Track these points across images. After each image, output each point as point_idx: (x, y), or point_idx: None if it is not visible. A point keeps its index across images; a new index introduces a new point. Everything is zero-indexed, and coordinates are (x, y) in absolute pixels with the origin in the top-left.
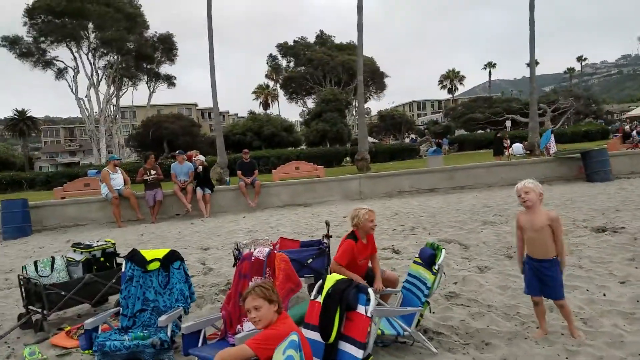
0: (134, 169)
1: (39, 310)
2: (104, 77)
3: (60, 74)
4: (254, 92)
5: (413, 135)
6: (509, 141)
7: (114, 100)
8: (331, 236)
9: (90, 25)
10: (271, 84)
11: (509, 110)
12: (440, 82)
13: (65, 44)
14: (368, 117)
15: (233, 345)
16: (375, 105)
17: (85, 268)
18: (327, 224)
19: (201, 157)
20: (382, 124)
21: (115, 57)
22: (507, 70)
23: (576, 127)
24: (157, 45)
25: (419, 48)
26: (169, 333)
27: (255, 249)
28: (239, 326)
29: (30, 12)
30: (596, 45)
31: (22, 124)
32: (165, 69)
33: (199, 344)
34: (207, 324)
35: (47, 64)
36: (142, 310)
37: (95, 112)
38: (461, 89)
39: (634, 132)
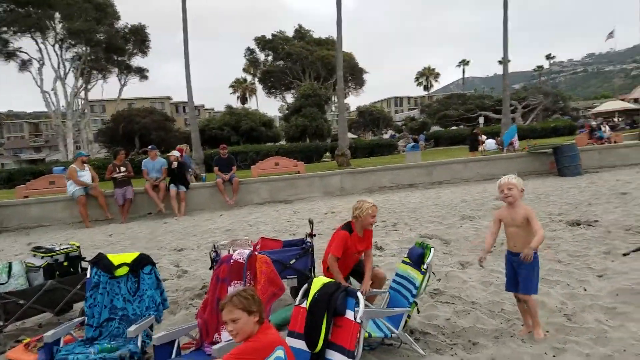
0: (103, 166)
1: None
2: (72, 69)
3: (24, 65)
4: (231, 86)
5: (392, 132)
6: (484, 137)
7: (82, 94)
8: (315, 235)
9: (57, 15)
10: (249, 78)
11: (481, 107)
12: (417, 79)
13: (29, 35)
14: (347, 112)
15: (210, 356)
16: (354, 101)
17: (46, 274)
18: (311, 222)
19: (176, 153)
20: (361, 120)
21: (84, 48)
22: (480, 68)
23: (545, 123)
24: (128, 36)
25: (397, 45)
26: (139, 344)
27: (234, 251)
28: (216, 335)
29: None
30: (564, 44)
31: None
32: (137, 61)
33: (173, 356)
34: (181, 334)
35: (10, 55)
36: (109, 320)
37: (62, 106)
38: (436, 86)
39: (601, 127)
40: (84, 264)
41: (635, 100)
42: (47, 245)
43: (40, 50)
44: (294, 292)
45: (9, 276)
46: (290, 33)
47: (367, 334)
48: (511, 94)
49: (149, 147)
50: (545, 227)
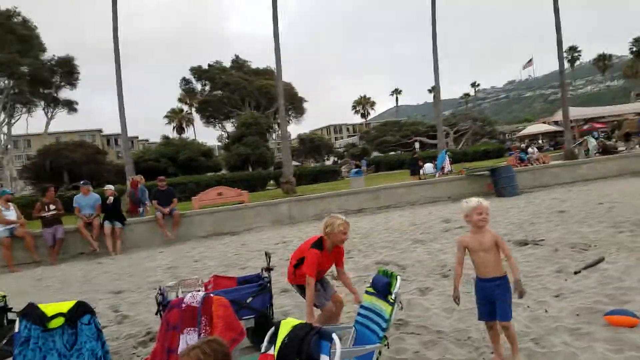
0: (29, 204)
1: None
2: None
3: None
4: (166, 117)
5: (334, 158)
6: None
7: (4, 129)
8: (272, 268)
9: None
10: (185, 107)
11: (416, 132)
12: (354, 107)
13: None
14: (288, 140)
15: None
16: (295, 129)
17: None
18: (267, 255)
19: (110, 186)
20: (302, 148)
21: (7, 81)
22: (411, 96)
23: (476, 146)
24: (55, 69)
25: (333, 74)
26: None
27: (183, 292)
28: None
29: None
30: (486, 73)
31: None
32: (65, 93)
33: None
34: None
35: None
36: None
37: None
38: (373, 114)
39: (529, 149)
40: (11, 316)
41: (556, 123)
42: None
43: None
44: (251, 333)
45: None
46: (227, 63)
47: None
48: (442, 120)
49: (81, 182)
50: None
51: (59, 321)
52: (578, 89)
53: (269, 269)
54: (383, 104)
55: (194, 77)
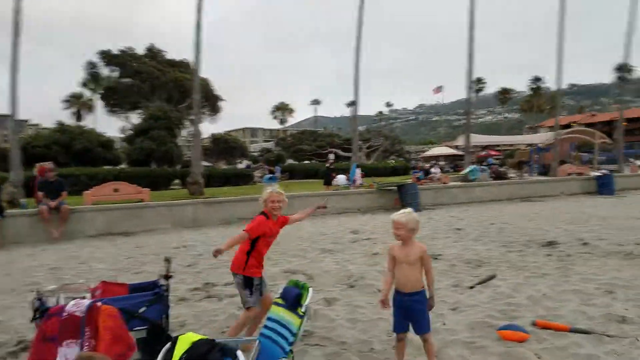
0: None
1: None
2: None
3: None
4: (66, 101)
5: (247, 162)
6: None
7: None
8: (171, 276)
9: None
10: (88, 93)
11: (332, 144)
12: (273, 112)
13: None
14: (200, 139)
15: None
16: (209, 128)
17: None
18: (167, 260)
19: None
20: (215, 148)
21: None
22: (329, 108)
23: (386, 162)
24: None
25: (255, 77)
26: None
27: (67, 299)
28: None
29: None
30: (399, 94)
31: None
32: None
33: None
34: None
35: None
36: None
37: None
38: (291, 121)
39: (432, 170)
40: None
41: (457, 147)
42: None
43: None
44: (142, 344)
45: None
46: (140, 51)
47: None
48: (357, 134)
49: None
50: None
51: None
52: (480, 117)
53: (167, 276)
54: (302, 113)
55: (103, 62)
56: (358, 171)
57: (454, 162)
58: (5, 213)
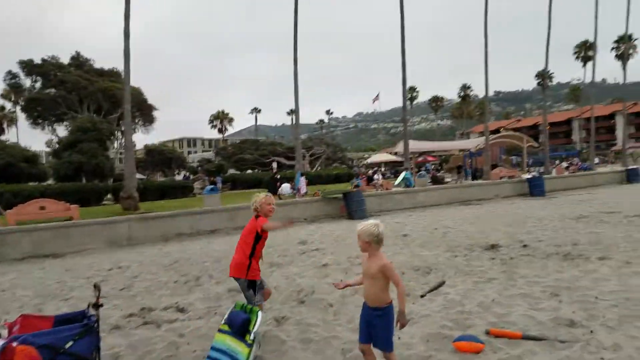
0: None
1: None
2: None
3: None
4: None
5: (186, 173)
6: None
7: None
8: (102, 304)
9: None
10: (9, 105)
11: (274, 152)
12: (211, 121)
13: None
14: (133, 150)
15: None
16: (143, 139)
17: None
18: (97, 287)
19: None
20: (150, 159)
21: None
22: (270, 117)
23: (329, 170)
24: None
25: (191, 85)
26: None
27: None
28: None
29: None
30: (339, 102)
31: None
32: None
33: None
34: None
35: None
36: None
37: None
38: (230, 130)
39: (374, 176)
40: None
41: (396, 154)
42: None
43: None
44: None
45: None
46: (65, 60)
47: None
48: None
49: None
50: (348, 271)
51: None
52: (415, 125)
53: (97, 305)
54: (242, 122)
55: (23, 72)
56: (303, 179)
57: (394, 168)
58: None
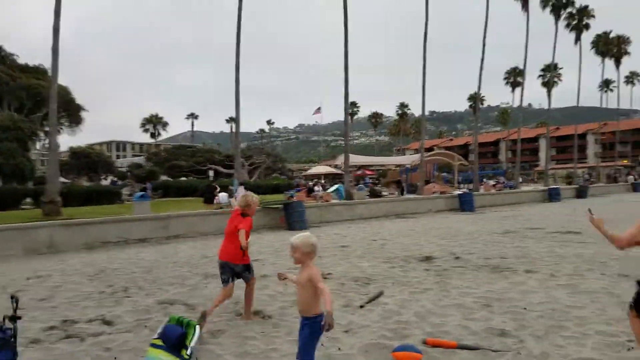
0: None
1: None
2: None
3: None
4: None
5: (114, 178)
6: (218, 189)
7: None
8: (20, 317)
9: None
10: None
11: (211, 160)
12: (143, 125)
13: None
14: (57, 152)
15: None
16: (69, 141)
17: None
18: (14, 298)
19: None
20: (75, 162)
21: None
22: (208, 123)
23: (268, 180)
24: None
25: (122, 88)
26: None
27: None
28: None
29: None
30: (280, 113)
31: None
32: None
33: None
34: None
35: None
36: None
37: None
38: (164, 135)
39: (315, 188)
40: None
41: (336, 166)
42: None
43: None
44: None
45: None
46: None
47: None
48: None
49: None
50: (287, 283)
51: None
52: (354, 139)
53: (14, 318)
54: (177, 127)
55: None
56: (241, 189)
57: (334, 180)
58: None
